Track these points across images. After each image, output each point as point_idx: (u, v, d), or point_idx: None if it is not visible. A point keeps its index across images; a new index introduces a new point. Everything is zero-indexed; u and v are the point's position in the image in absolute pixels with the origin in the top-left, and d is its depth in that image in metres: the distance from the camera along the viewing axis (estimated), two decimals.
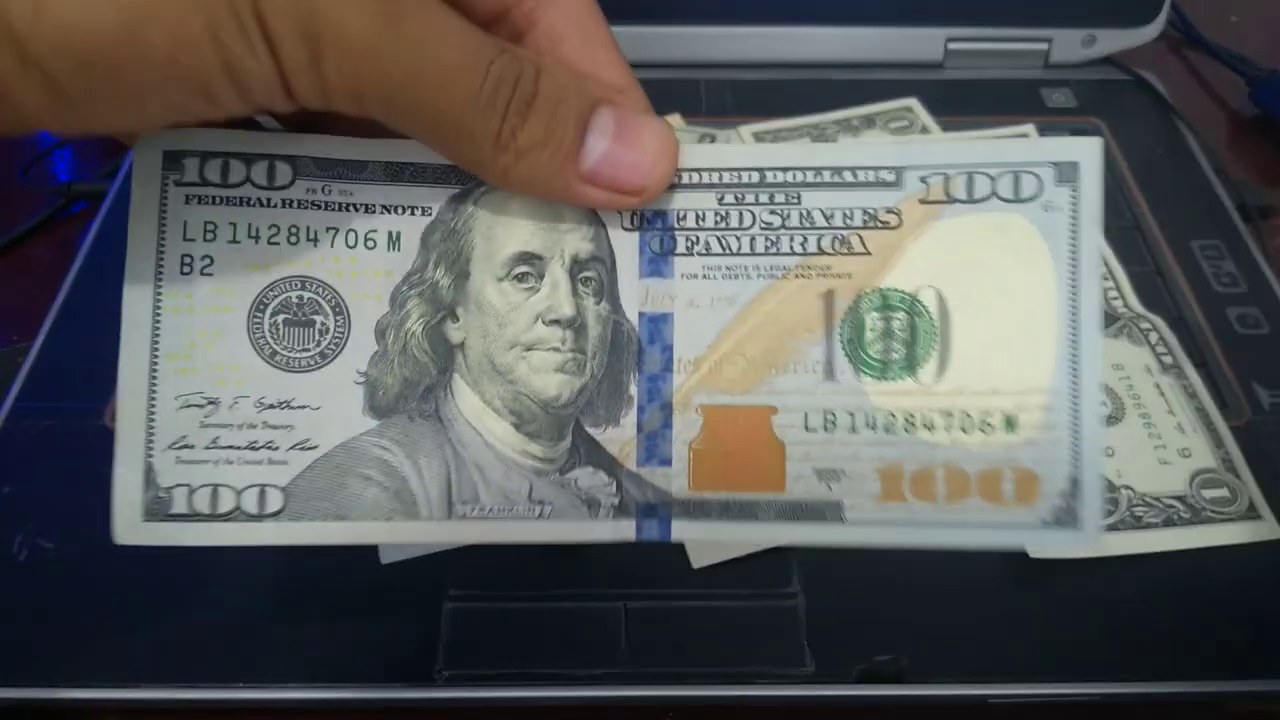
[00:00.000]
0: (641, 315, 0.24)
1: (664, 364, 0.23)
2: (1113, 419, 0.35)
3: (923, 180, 0.23)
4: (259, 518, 0.22)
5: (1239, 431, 0.35)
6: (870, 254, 0.23)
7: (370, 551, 0.32)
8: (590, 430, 0.23)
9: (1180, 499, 0.33)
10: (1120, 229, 0.43)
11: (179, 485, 0.22)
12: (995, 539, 0.23)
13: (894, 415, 0.23)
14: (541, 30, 0.23)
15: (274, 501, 0.22)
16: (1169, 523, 0.33)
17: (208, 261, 0.22)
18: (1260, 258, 0.42)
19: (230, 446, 0.22)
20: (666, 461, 0.23)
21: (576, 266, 0.23)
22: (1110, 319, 0.39)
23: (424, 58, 0.19)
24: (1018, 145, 0.23)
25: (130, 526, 0.22)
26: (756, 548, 0.24)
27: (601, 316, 0.24)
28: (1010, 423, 0.22)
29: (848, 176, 0.23)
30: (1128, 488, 0.33)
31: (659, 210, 0.23)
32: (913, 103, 0.47)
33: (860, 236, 0.23)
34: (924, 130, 0.46)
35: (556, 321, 0.23)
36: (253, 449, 0.22)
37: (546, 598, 0.31)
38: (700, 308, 0.23)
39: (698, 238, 0.23)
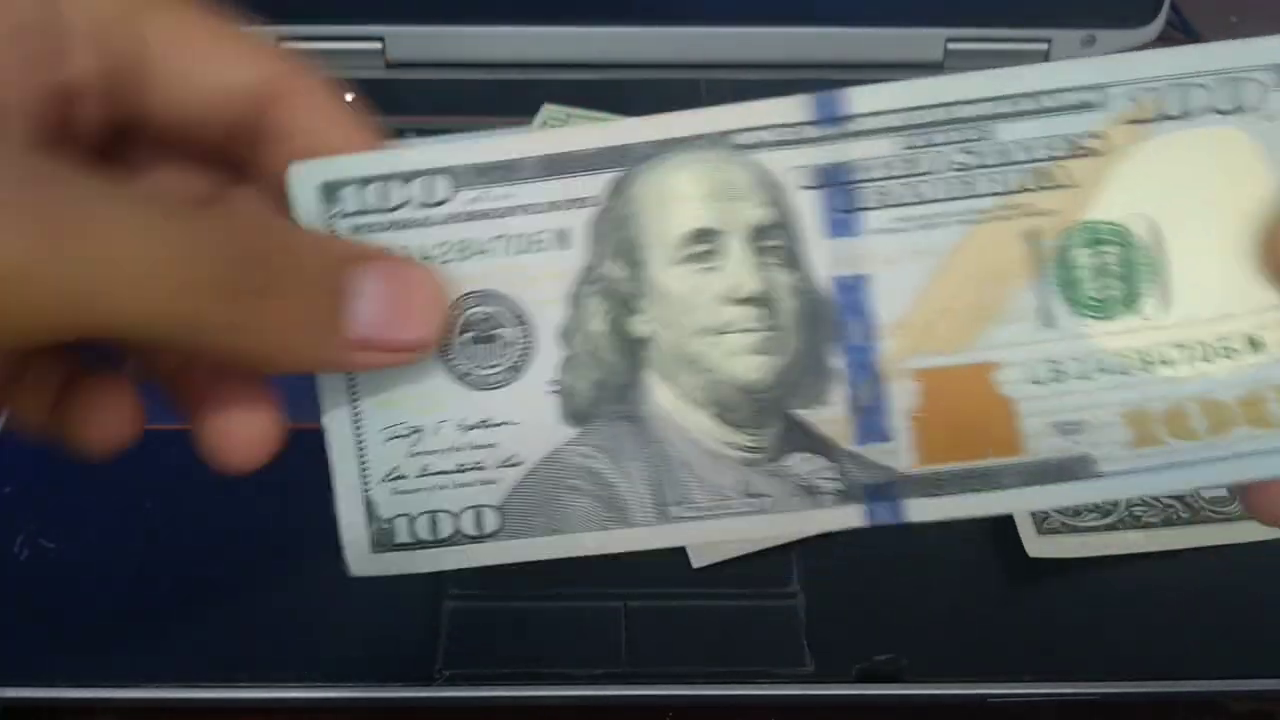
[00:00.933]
0: (835, 280, 0.22)
1: (867, 330, 0.22)
2: None
3: (1130, 98, 0.21)
4: (479, 538, 0.22)
5: None
6: (1075, 186, 0.21)
7: None
8: (798, 412, 0.22)
9: (1179, 499, 0.33)
10: None
11: (399, 516, 0.22)
12: (1274, 466, 0.21)
13: (1125, 356, 0.21)
14: (285, 130, 0.21)
15: (491, 521, 0.22)
16: (1168, 522, 0.33)
17: None
18: None
19: (440, 472, 0.22)
20: (885, 436, 0.22)
21: (756, 236, 0.22)
22: None
23: (105, 268, 0.16)
24: (1234, 48, 0.21)
25: (362, 559, 0.22)
26: (999, 514, 0.22)
27: (792, 287, 0.22)
28: (1255, 343, 0.21)
29: (1046, 102, 0.21)
30: None
31: (839, 163, 0.22)
32: None
33: (1063, 167, 0.21)
34: None
35: (745, 299, 0.22)
36: (461, 471, 0.22)
37: (547, 597, 0.31)
38: (897, 264, 0.22)
39: (885, 188, 0.22)
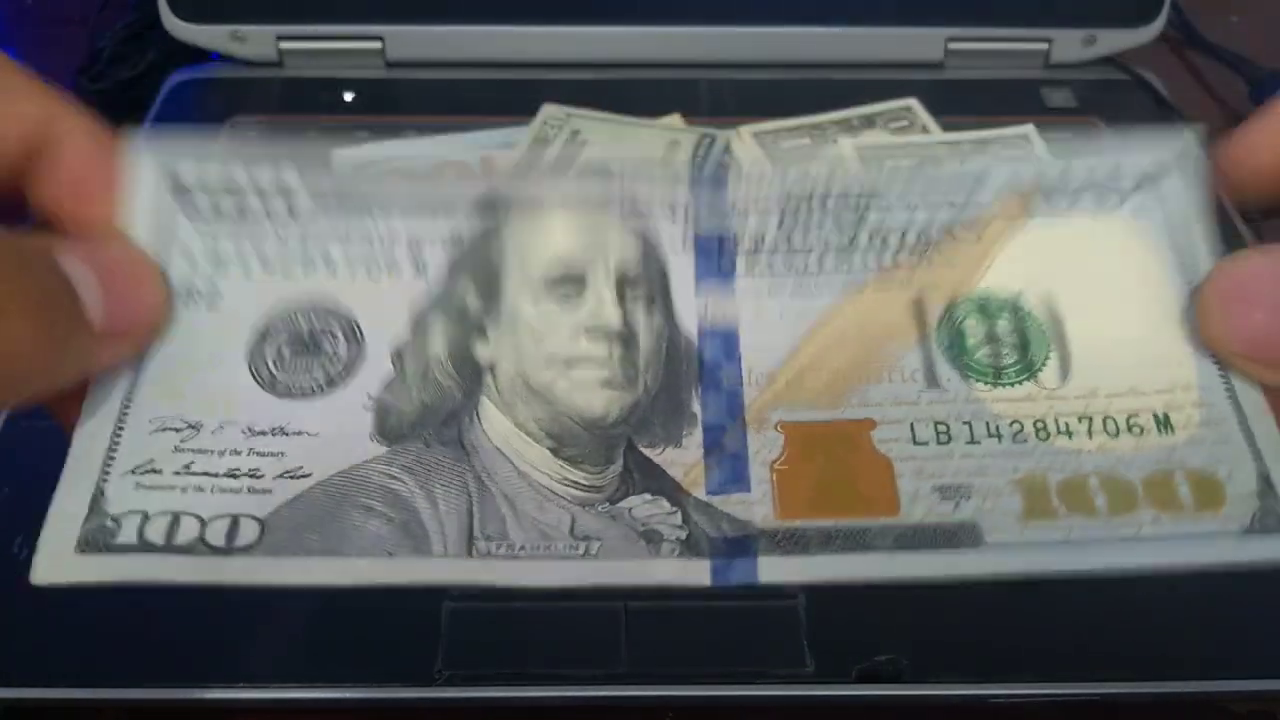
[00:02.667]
0: (703, 325, 0.21)
1: (733, 378, 0.21)
2: None
3: (998, 198, 0.21)
4: (226, 551, 0.19)
5: None
6: (954, 266, 0.21)
7: None
8: (646, 451, 0.20)
9: None
10: None
11: (131, 512, 0.19)
12: (1188, 555, 0.20)
13: (1020, 423, 0.20)
14: (54, 174, 0.20)
15: (248, 533, 0.19)
16: None
17: (215, 293, 0.20)
18: None
19: (205, 473, 0.19)
20: (744, 486, 0.20)
21: (624, 281, 0.21)
22: None
23: None
24: (1092, 163, 0.20)
25: (55, 562, 0.19)
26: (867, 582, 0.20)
27: (654, 329, 0.21)
28: (1164, 422, 0.20)
29: (915, 201, 0.21)
30: None
31: (714, 230, 0.21)
32: (913, 103, 0.47)
33: (942, 249, 0.21)
34: (924, 130, 0.46)
35: (602, 333, 0.21)
36: (232, 476, 0.19)
37: (547, 598, 0.31)
38: (770, 320, 0.21)
39: (759, 259, 0.21)
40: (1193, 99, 0.52)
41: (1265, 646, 0.30)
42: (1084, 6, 0.49)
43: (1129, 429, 0.20)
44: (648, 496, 0.20)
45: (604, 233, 0.21)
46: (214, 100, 0.48)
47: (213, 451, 0.20)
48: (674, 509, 0.20)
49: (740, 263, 0.21)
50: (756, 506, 0.20)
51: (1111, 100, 0.50)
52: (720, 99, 0.49)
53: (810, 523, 0.19)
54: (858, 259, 0.21)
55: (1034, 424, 0.20)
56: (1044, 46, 0.50)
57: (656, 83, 0.49)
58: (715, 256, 0.21)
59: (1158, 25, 0.50)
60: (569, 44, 0.49)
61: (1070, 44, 0.50)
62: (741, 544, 0.19)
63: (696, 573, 0.19)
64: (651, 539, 0.20)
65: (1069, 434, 0.20)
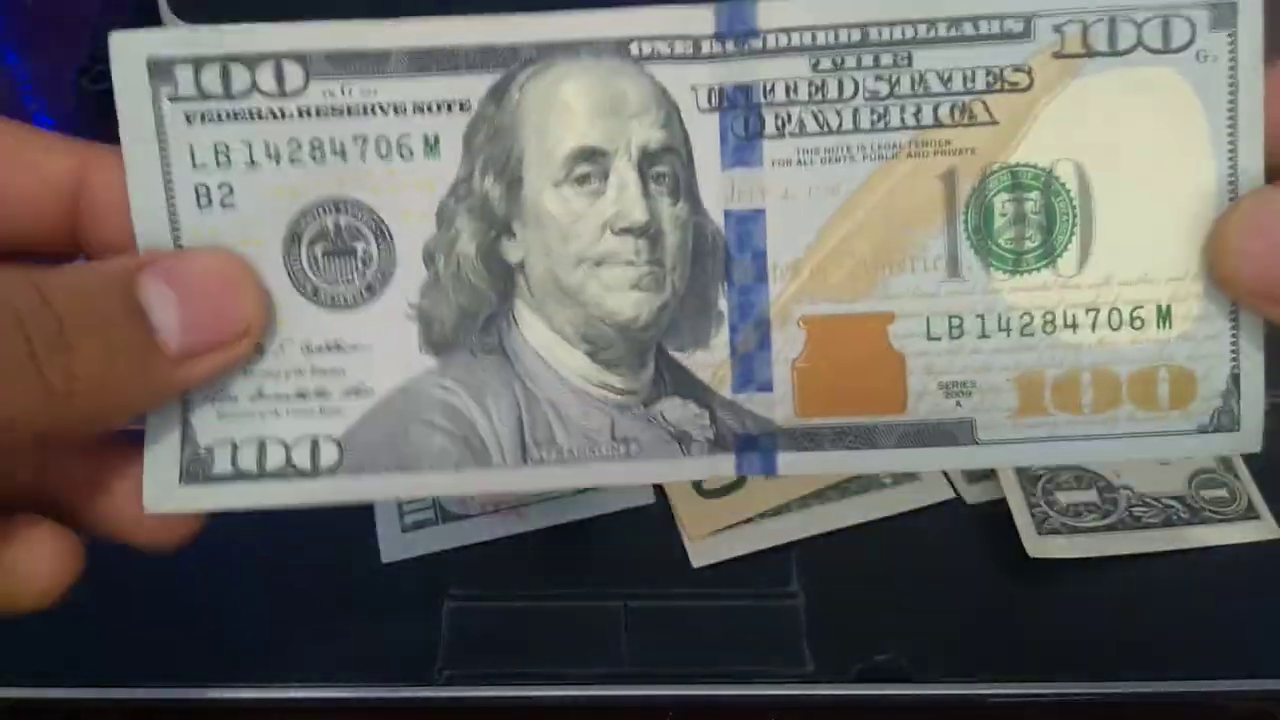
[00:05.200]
0: (728, 214, 0.20)
1: (757, 271, 0.20)
2: None
3: (1057, 30, 0.20)
4: (313, 473, 0.20)
5: None
6: (997, 123, 0.20)
7: (372, 550, 0.32)
8: (675, 355, 0.20)
9: (1179, 499, 0.33)
10: None
11: (220, 441, 0.20)
12: (1148, 450, 0.20)
13: (1030, 315, 0.20)
14: (101, 210, 0.19)
15: (329, 455, 0.20)
16: (1168, 523, 0.33)
17: (226, 191, 0.19)
18: None
19: (277, 395, 0.20)
20: (766, 386, 0.20)
21: (647, 160, 0.20)
22: None
23: None
24: None
25: (164, 491, 0.19)
26: (873, 472, 0.22)
27: (680, 220, 0.20)
28: (1164, 315, 0.20)
29: (968, 29, 0.20)
30: (1127, 488, 0.33)
31: (741, 84, 0.20)
32: None
33: (984, 102, 0.20)
34: None
35: (628, 230, 0.20)
36: (302, 398, 0.20)
37: (547, 597, 0.31)
38: (797, 200, 0.20)
39: (789, 114, 0.20)
40: None
41: (1263, 647, 0.31)
42: None
43: (1131, 322, 0.20)
44: (678, 401, 0.21)
45: (623, 102, 0.20)
46: None
47: (279, 374, 0.20)
48: (702, 410, 0.20)
49: (769, 119, 0.20)
50: (778, 406, 0.20)
51: None
52: None
53: (825, 420, 0.20)
54: (895, 114, 0.20)
55: (1043, 316, 0.20)
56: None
57: None
58: (741, 116, 0.20)
59: None
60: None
61: None
62: (762, 441, 0.20)
63: (722, 466, 0.20)
64: (683, 440, 0.20)
65: (1074, 327, 0.20)
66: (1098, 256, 0.20)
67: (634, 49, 0.20)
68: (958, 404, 0.20)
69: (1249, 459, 0.34)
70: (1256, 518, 0.33)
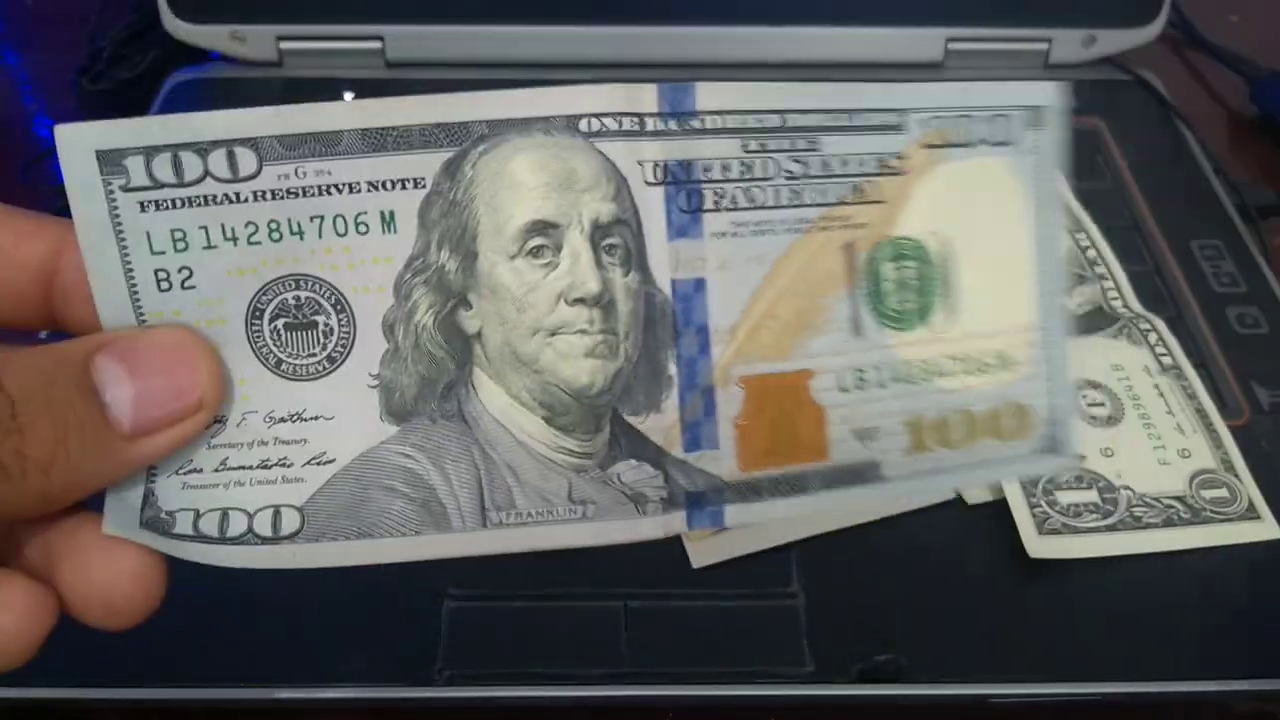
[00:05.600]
0: (674, 283, 0.21)
1: (701, 337, 0.22)
2: (1112, 419, 0.35)
3: (923, 124, 0.23)
4: (274, 540, 0.20)
5: (1238, 432, 0.35)
6: (884, 202, 0.23)
7: None
8: (630, 419, 0.21)
9: (1180, 499, 0.33)
10: (1120, 229, 0.43)
11: (183, 509, 0.20)
12: (1002, 472, 0.23)
13: (912, 366, 0.23)
14: (76, 291, 0.20)
15: (290, 522, 0.20)
16: (1169, 523, 0.33)
17: (186, 274, 0.20)
18: (1260, 258, 0.42)
19: (241, 467, 0.20)
20: (713, 444, 0.22)
21: (599, 232, 0.21)
22: (1109, 319, 0.39)
23: None
24: (994, 89, 0.23)
25: (122, 525, 0.20)
26: (803, 514, 0.23)
27: (631, 290, 0.21)
28: (1004, 360, 0.23)
29: (859, 120, 0.22)
30: (1127, 488, 0.33)
31: (684, 161, 0.21)
32: None
33: (875, 183, 0.22)
34: None
35: (582, 300, 0.21)
36: (265, 468, 0.20)
37: (547, 597, 0.31)
38: (732, 269, 0.22)
39: (724, 191, 0.22)
40: (1192, 99, 0.52)
41: (1267, 647, 0.30)
42: (1084, 6, 0.49)
43: (981, 368, 0.23)
44: (633, 463, 0.21)
45: (574, 176, 0.21)
46: (213, 101, 0.48)
47: (242, 445, 0.20)
48: (656, 472, 0.22)
49: (708, 194, 0.22)
50: (723, 461, 0.22)
51: (1111, 100, 0.50)
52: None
53: (764, 473, 0.22)
54: (807, 193, 0.22)
55: (921, 366, 0.23)
56: (1044, 47, 0.50)
57: None
58: (683, 190, 0.22)
59: (1158, 25, 0.50)
60: (568, 44, 0.49)
61: (1070, 44, 0.50)
62: (710, 496, 0.22)
63: (675, 524, 0.22)
64: (639, 501, 0.21)
65: (944, 375, 0.23)
66: (962, 315, 0.23)
67: (584, 125, 0.21)
68: (865, 446, 0.22)
69: (1251, 459, 0.34)
70: (1257, 518, 0.33)
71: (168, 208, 0.20)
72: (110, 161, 0.19)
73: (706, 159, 0.22)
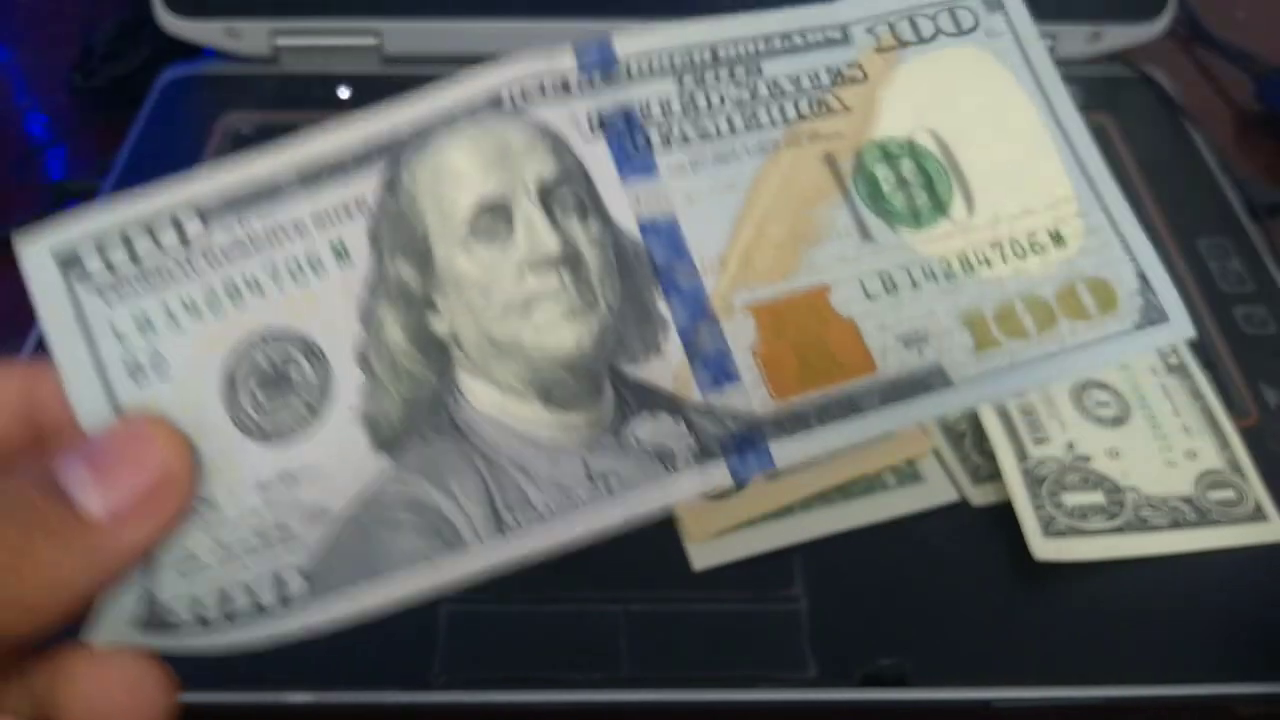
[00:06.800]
0: (641, 223, 0.21)
1: (688, 270, 0.21)
2: (1118, 420, 0.35)
3: (869, 31, 0.22)
4: (281, 606, 0.19)
5: (1246, 432, 0.35)
6: (850, 110, 0.22)
7: None
8: (629, 370, 0.20)
9: (1187, 500, 0.33)
10: None
11: (181, 595, 0.19)
12: (1101, 356, 0.21)
13: (948, 260, 0.22)
14: (53, 426, 0.20)
15: (296, 585, 0.19)
16: (1175, 524, 0.32)
17: (158, 359, 0.20)
18: (1267, 256, 0.42)
19: (237, 541, 0.19)
20: (734, 377, 0.20)
21: (545, 192, 0.20)
22: None
23: None
24: None
25: (114, 632, 0.19)
26: (864, 440, 0.20)
27: (594, 237, 0.20)
28: (1057, 236, 0.22)
29: (798, 41, 0.22)
30: (1134, 489, 0.33)
31: (618, 106, 0.21)
32: None
33: (835, 94, 0.22)
34: None
35: (546, 262, 0.20)
36: (262, 536, 0.19)
37: (545, 600, 0.31)
38: (702, 202, 0.21)
39: (670, 126, 0.21)
40: (1198, 96, 0.52)
41: (1272, 650, 0.30)
42: (1089, 2, 0.49)
43: (1032, 249, 0.22)
44: (647, 416, 0.20)
45: (508, 147, 0.20)
46: (207, 97, 0.48)
47: (235, 520, 0.19)
48: (677, 421, 0.20)
49: (653, 133, 0.21)
50: (752, 394, 0.20)
51: (1117, 97, 0.49)
52: None
53: (805, 398, 0.20)
54: (763, 113, 0.22)
55: (959, 259, 0.22)
56: (1049, 42, 0.50)
57: None
58: (626, 135, 0.21)
59: (1163, 21, 0.49)
60: (566, 38, 0.49)
61: (1075, 40, 0.50)
62: (750, 436, 0.20)
63: (715, 475, 0.20)
64: (665, 457, 0.20)
65: (988, 263, 0.22)
66: (980, 201, 0.22)
67: (505, 97, 0.21)
68: (920, 352, 0.21)
69: (1258, 460, 0.34)
70: (1264, 519, 0.33)
71: (129, 292, 0.20)
72: (68, 261, 0.20)
73: (641, 100, 0.21)
